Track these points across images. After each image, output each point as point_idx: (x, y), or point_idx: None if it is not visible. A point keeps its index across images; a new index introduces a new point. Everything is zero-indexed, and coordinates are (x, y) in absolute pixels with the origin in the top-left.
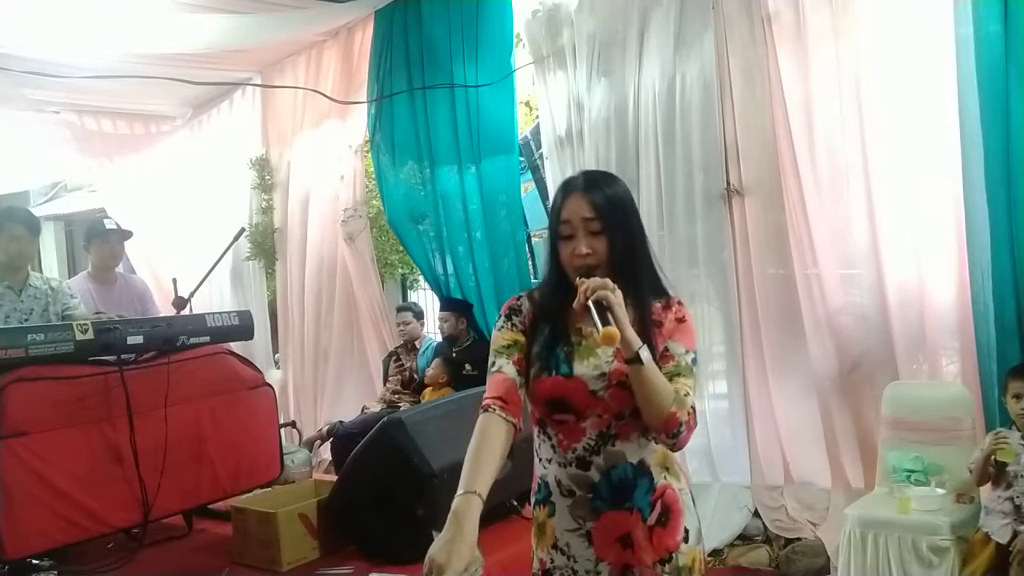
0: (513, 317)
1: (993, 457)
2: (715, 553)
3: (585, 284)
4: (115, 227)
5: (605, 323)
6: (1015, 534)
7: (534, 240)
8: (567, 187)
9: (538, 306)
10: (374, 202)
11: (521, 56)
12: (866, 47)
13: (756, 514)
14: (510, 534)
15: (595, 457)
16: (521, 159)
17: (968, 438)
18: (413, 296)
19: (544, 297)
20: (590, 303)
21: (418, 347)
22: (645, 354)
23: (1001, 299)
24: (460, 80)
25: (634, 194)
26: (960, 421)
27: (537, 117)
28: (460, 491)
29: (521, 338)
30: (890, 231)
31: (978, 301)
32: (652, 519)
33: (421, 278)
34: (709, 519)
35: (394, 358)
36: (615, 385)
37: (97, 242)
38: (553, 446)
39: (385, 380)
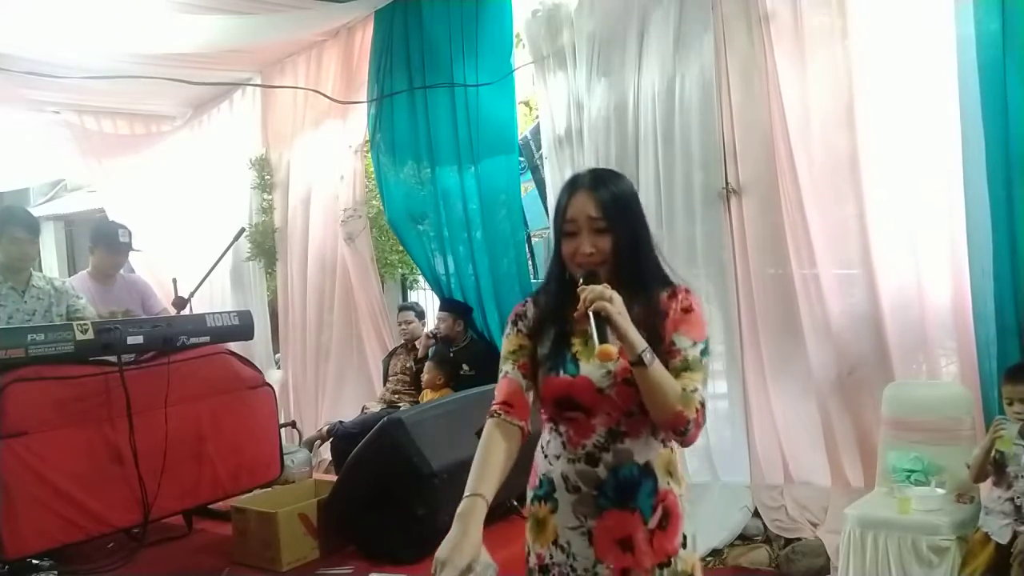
0: (519, 323)
1: (994, 449)
2: (715, 553)
3: (584, 293)
4: (127, 240)
5: (602, 336)
6: (1015, 535)
7: (534, 240)
8: (573, 185)
9: (542, 308)
10: (374, 202)
11: (521, 56)
12: (864, 47)
13: (756, 514)
14: (510, 534)
15: (604, 454)
16: (521, 159)
17: (968, 438)
18: (413, 296)
19: (548, 297)
20: (589, 312)
21: (417, 347)
22: (648, 356)
23: (1001, 298)
24: (460, 80)
25: None
26: (960, 421)
27: (537, 117)
28: (466, 493)
29: (527, 343)
30: (888, 231)
31: (978, 301)
32: (653, 522)
33: (421, 278)
34: (709, 519)
35: (408, 355)
36: (621, 383)
37: (104, 251)
38: (563, 443)
39: (385, 380)
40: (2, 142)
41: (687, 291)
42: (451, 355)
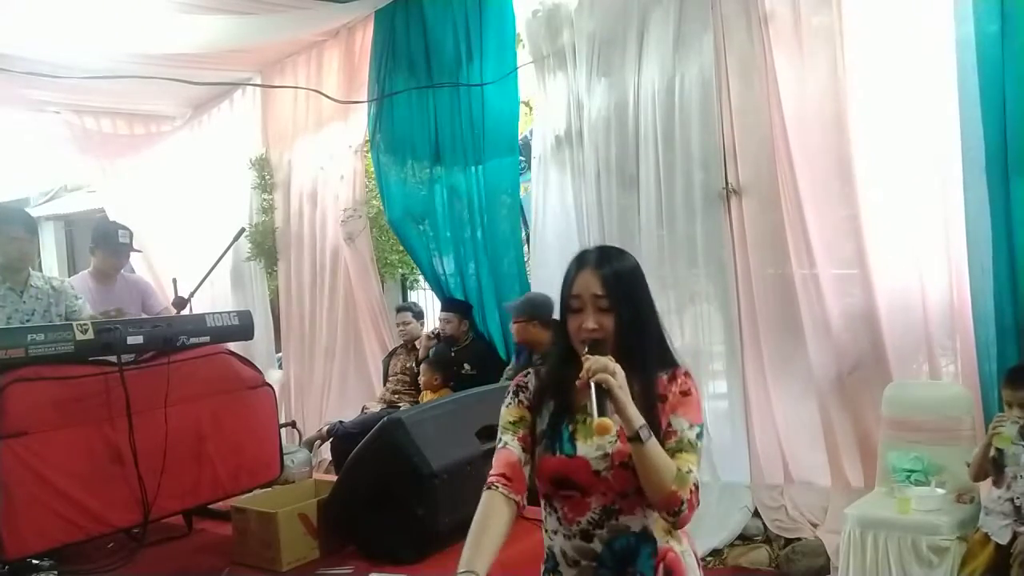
0: (520, 394)
1: (993, 447)
2: (715, 553)
3: (589, 363)
4: (127, 241)
5: (602, 409)
6: (1015, 535)
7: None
8: (580, 262)
9: (544, 379)
10: (374, 202)
11: (521, 56)
12: (863, 48)
13: (756, 514)
14: (512, 534)
15: (598, 530)
16: (521, 159)
17: (968, 438)
18: (413, 296)
19: (551, 369)
20: (591, 383)
21: (417, 347)
22: (645, 433)
23: (1000, 299)
24: (461, 79)
25: (633, 193)
26: (960, 421)
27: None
28: (460, 570)
29: (527, 415)
30: (888, 231)
31: (978, 301)
32: None
33: (421, 278)
34: (709, 519)
35: (409, 355)
36: (618, 466)
37: (104, 252)
38: (559, 519)
39: (385, 380)
40: (2, 143)
41: (686, 374)
42: (452, 355)
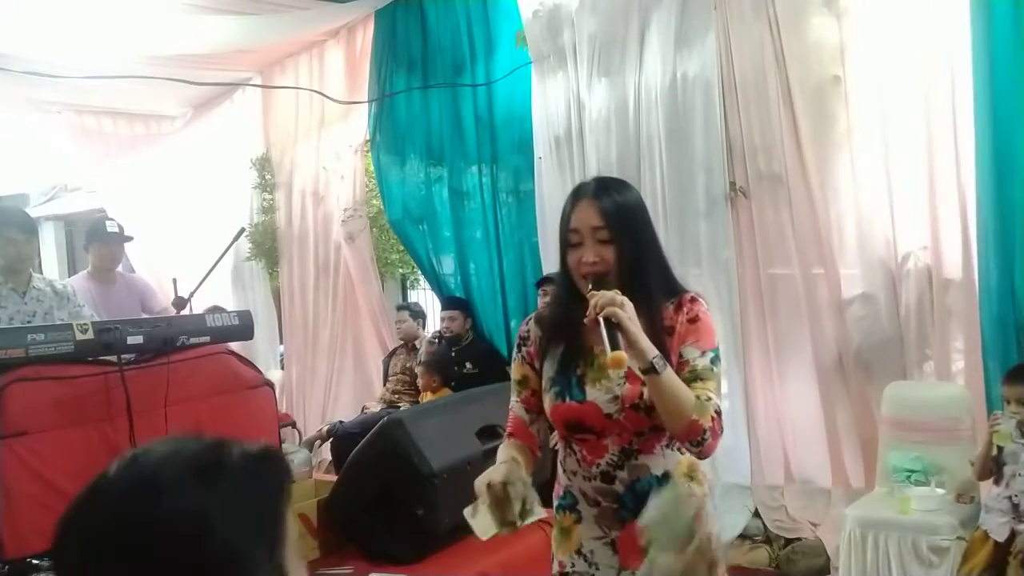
0: (523, 347)
1: (993, 445)
2: None
3: (595, 299)
4: (116, 230)
5: (614, 343)
6: (1013, 533)
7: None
8: (577, 194)
9: (549, 323)
10: (374, 202)
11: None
12: (869, 46)
13: (756, 514)
14: (515, 533)
15: (619, 472)
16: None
17: (968, 438)
18: (413, 296)
19: (555, 312)
20: (600, 319)
21: (417, 347)
22: (660, 363)
23: (1004, 299)
24: (461, 79)
25: None
26: (960, 421)
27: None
28: (500, 460)
29: (530, 372)
30: (894, 231)
31: (984, 300)
32: None
33: (421, 278)
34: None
35: (409, 355)
36: (629, 408)
37: (96, 244)
38: (578, 460)
39: (385, 380)
40: (2, 143)
41: (692, 300)
42: (453, 354)
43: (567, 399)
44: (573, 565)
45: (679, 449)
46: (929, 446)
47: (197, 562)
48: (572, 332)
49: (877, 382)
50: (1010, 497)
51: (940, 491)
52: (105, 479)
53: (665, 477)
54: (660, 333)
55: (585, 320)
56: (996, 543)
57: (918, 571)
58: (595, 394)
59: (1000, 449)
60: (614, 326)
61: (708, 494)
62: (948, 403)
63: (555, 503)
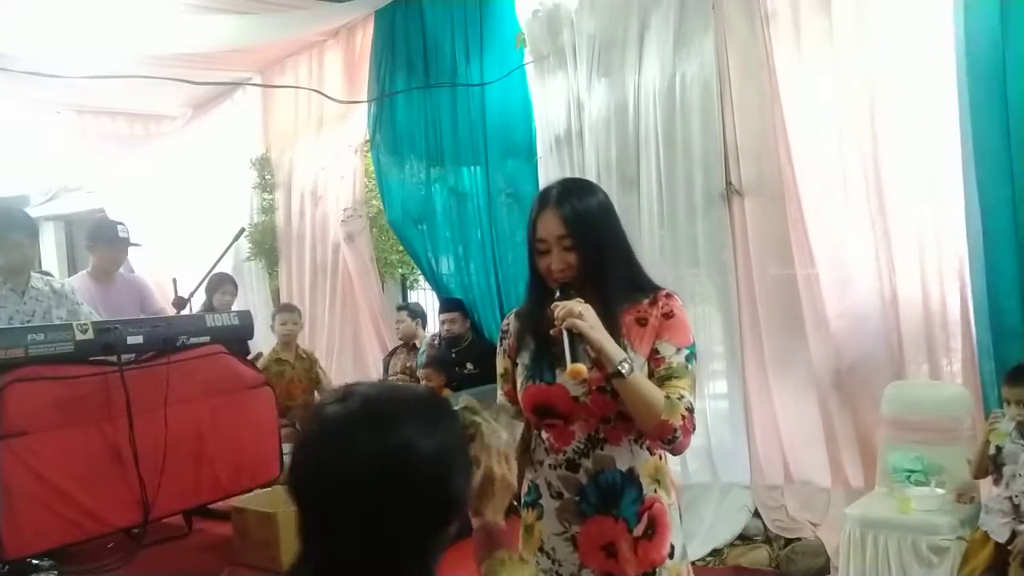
0: (503, 341)
1: (991, 444)
2: (715, 553)
3: (557, 310)
4: (126, 236)
5: (574, 355)
6: (1014, 533)
7: None
8: (541, 202)
9: (523, 322)
10: (374, 202)
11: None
12: (866, 46)
13: (756, 514)
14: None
15: (584, 460)
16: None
17: (968, 438)
18: (413, 296)
19: (527, 311)
20: (563, 329)
21: (417, 346)
22: (627, 367)
23: (1001, 299)
24: (461, 79)
25: (634, 194)
26: (960, 421)
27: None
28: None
29: (509, 365)
30: (890, 231)
31: (979, 301)
32: (639, 531)
33: (421, 278)
34: (709, 519)
35: (409, 355)
36: (596, 391)
37: (103, 246)
38: (546, 449)
39: (385, 380)
40: (2, 143)
41: (668, 296)
42: (454, 355)
43: (537, 381)
44: (538, 564)
45: (649, 449)
46: (929, 446)
47: (442, 502)
48: (544, 334)
49: (876, 382)
50: (1010, 498)
51: (940, 491)
52: (344, 423)
53: (630, 473)
54: (629, 328)
55: (551, 332)
56: (997, 544)
57: (918, 571)
58: (563, 377)
59: (999, 449)
60: (576, 336)
61: (675, 504)
62: (948, 403)
63: (522, 502)
